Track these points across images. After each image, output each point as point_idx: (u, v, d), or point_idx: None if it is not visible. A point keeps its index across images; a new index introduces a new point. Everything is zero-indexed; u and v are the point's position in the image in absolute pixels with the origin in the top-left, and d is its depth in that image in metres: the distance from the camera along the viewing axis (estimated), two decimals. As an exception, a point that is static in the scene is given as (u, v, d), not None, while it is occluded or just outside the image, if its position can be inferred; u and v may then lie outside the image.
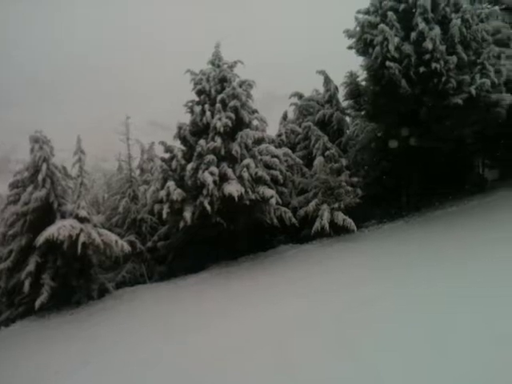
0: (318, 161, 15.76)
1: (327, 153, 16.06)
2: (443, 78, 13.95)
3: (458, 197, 15.37)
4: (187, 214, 13.59)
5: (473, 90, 13.90)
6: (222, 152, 14.23)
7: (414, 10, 14.50)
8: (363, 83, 15.99)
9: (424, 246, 11.57)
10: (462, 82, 14.19)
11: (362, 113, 16.57)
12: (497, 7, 16.07)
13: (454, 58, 13.98)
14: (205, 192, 13.55)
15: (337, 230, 14.87)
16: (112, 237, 13.71)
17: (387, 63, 13.96)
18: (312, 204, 15.16)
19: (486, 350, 4.91)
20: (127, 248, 13.95)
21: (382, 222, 15.47)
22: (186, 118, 15.45)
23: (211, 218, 13.95)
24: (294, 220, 14.95)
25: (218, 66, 15.24)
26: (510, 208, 13.34)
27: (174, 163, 14.60)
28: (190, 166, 14.07)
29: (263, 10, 73.50)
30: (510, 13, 16.92)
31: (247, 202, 13.80)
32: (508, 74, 15.00)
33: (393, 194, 16.08)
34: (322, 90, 18.62)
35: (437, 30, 14.02)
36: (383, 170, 15.98)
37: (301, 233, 15.63)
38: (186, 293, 12.98)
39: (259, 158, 14.67)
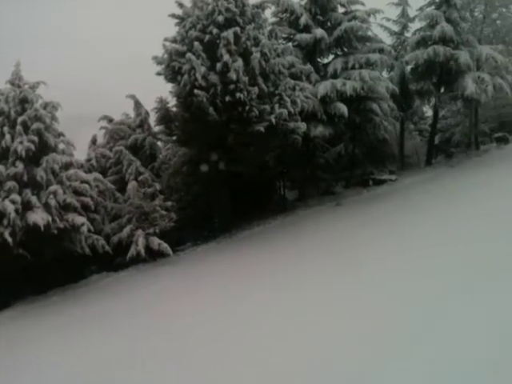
0: (132, 186, 17.94)
1: (140, 177, 18.36)
2: (247, 107, 17.44)
3: (264, 217, 19.42)
4: (-18, 249, 14.14)
5: (273, 119, 17.74)
6: (25, 178, 15.17)
7: (218, 42, 17.81)
8: (174, 109, 18.90)
9: (234, 263, 14.73)
10: (263, 111, 17.83)
11: (174, 138, 19.39)
12: (290, 44, 20.86)
13: (255, 89, 17.58)
14: (5, 222, 14.12)
15: (153, 255, 17.18)
16: None
17: (195, 91, 16.88)
18: (126, 230, 17.21)
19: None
20: None
21: (197, 244, 18.44)
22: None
23: (13, 251, 14.72)
24: (107, 247, 16.73)
25: (19, 86, 16.23)
26: (306, 226, 17.75)
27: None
28: (-14, 195, 14.59)
29: (68, 27, 72.63)
30: (301, 49, 22.10)
31: (55, 231, 14.93)
32: (302, 104, 19.66)
33: (205, 216, 19.29)
34: (132, 114, 20.95)
35: (239, 62, 17.37)
36: (195, 194, 19.10)
37: (115, 260, 17.55)
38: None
39: (68, 183, 16.05)
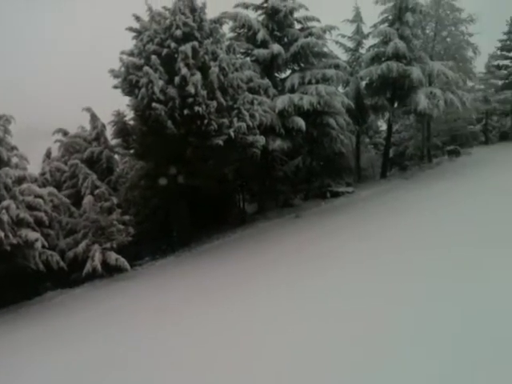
0: (88, 200, 17.90)
1: (97, 191, 18.32)
2: (205, 121, 17.78)
3: (223, 230, 19.75)
4: None
5: (231, 133, 18.14)
6: (-24, 193, 15.01)
7: (176, 56, 18.13)
8: (131, 122, 19.07)
9: (193, 278, 14.91)
10: (222, 124, 18.25)
11: (131, 151, 19.54)
12: (248, 59, 21.45)
13: (214, 103, 17.98)
14: (-45, 238, 14.05)
15: (110, 271, 17.14)
16: None
17: (153, 104, 17.10)
18: (82, 245, 17.11)
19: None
20: None
21: (155, 258, 18.54)
22: None
23: (-38, 269, 14.50)
24: (62, 263, 16.56)
25: (-30, 99, 16.08)
26: (265, 239, 18.17)
27: None
28: None
29: (26, 39, 71.40)
30: (259, 64, 22.74)
31: (8, 247, 14.77)
32: (261, 118, 20.16)
33: (164, 230, 19.44)
34: (88, 127, 20.95)
35: (198, 75, 17.76)
36: (154, 208, 19.25)
37: (71, 276, 17.39)
38: None
39: (21, 198, 15.88)
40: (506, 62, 37.32)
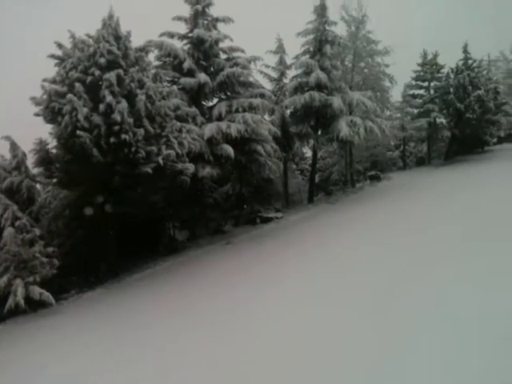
0: (8, 232, 16.96)
1: (18, 223, 17.44)
2: (133, 149, 17.62)
3: (154, 259, 19.47)
4: None
5: (160, 160, 18.09)
6: None
7: (100, 83, 17.93)
8: (54, 150, 18.52)
9: (122, 310, 14.51)
10: (150, 152, 18.16)
11: (54, 180, 18.95)
12: (175, 87, 21.62)
13: (141, 131, 17.88)
14: None
15: (34, 306, 16.30)
16: None
17: (78, 132, 16.65)
18: (3, 279, 16.07)
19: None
20: None
21: (83, 291, 17.84)
22: None
23: None
24: (-20, 300, 15.59)
25: None
26: (196, 267, 18.10)
27: None
28: None
29: None
30: (186, 92, 23.01)
31: None
32: (189, 146, 20.27)
33: (92, 261, 18.82)
34: (8, 156, 20.06)
35: (124, 103, 17.64)
36: (80, 238, 18.63)
37: (-8, 313, 16.29)
38: None
39: None
40: (421, 92, 40.03)
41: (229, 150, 21.64)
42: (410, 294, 9.17)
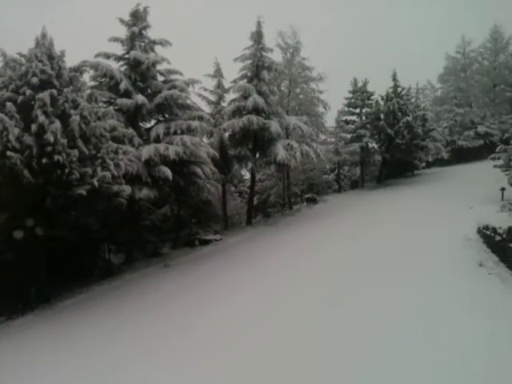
0: None
1: None
2: (66, 170, 17.06)
3: (88, 283, 18.84)
4: None
5: (95, 182, 17.66)
6: None
7: (33, 103, 17.46)
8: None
9: (52, 338, 13.91)
10: (84, 173, 17.66)
11: (-19, 203, 18.05)
12: (111, 108, 21.38)
13: (75, 152, 17.40)
14: None
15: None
16: None
17: (8, 153, 16.14)
18: None
19: None
20: None
21: (12, 318, 16.91)
22: None
23: None
24: None
25: None
26: (131, 291, 17.72)
27: None
28: None
29: None
30: (123, 113, 22.79)
31: None
32: (126, 167, 19.97)
33: (21, 286, 17.92)
34: None
35: (57, 123, 17.10)
36: (8, 263, 17.73)
37: None
38: None
39: None
40: (353, 118, 41.67)
41: (167, 172, 21.55)
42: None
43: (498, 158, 24.06)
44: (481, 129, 47.96)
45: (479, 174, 29.78)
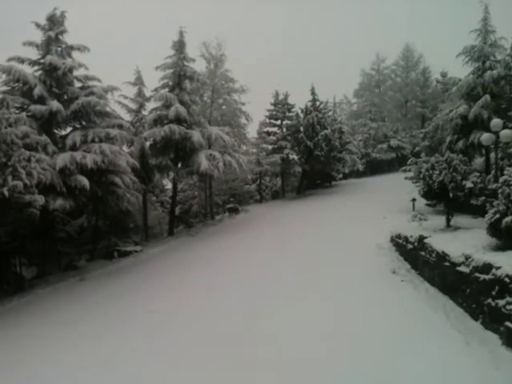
0: None
1: None
2: (-28, 179, 16.33)
3: (-3, 299, 17.71)
4: None
5: (5, 191, 16.74)
6: None
7: None
8: None
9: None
10: (-5, 182, 16.95)
11: None
12: (24, 114, 20.35)
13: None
14: None
15: None
16: None
17: None
18: None
19: None
20: None
21: None
22: None
23: None
24: None
25: None
26: (44, 307, 16.81)
27: None
28: None
29: None
30: (36, 120, 21.77)
31: None
32: (39, 176, 19.07)
33: None
34: None
35: (-36, 129, 16.44)
36: None
37: None
38: None
39: None
40: (274, 129, 42.54)
41: (84, 181, 20.81)
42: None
43: (409, 170, 25.64)
44: (393, 142, 50.78)
45: (392, 185, 31.46)
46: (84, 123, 24.22)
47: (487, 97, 18.12)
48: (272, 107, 42.17)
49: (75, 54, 24.27)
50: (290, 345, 8.87)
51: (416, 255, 12.95)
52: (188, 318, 11.75)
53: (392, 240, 16.13)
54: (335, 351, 8.28)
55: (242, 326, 10.45)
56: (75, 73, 24.22)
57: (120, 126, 24.80)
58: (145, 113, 31.07)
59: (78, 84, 24.57)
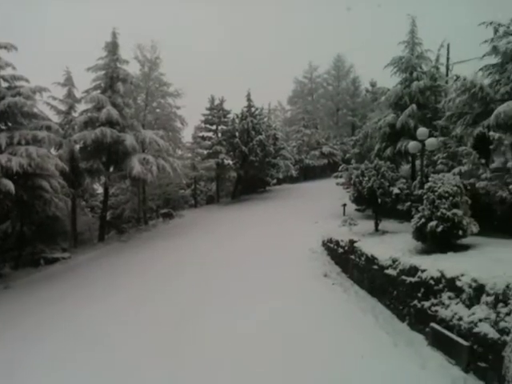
0: None
1: None
2: None
3: None
4: None
5: None
6: None
7: None
8: None
9: None
10: None
11: None
12: None
13: None
14: None
15: None
16: None
17: None
18: None
19: None
20: None
21: None
22: None
23: None
24: None
25: None
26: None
27: None
28: None
29: None
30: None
31: None
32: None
33: None
34: None
35: None
36: None
37: None
38: None
39: None
40: (209, 134, 42.50)
41: (9, 185, 19.82)
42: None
43: (341, 177, 26.50)
44: (325, 149, 52.19)
45: (324, 191, 32.37)
46: (10, 124, 23.10)
47: (414, 106, 18.99)
48: (207, 112, 42.14)
49: (1, 53, 23.09)
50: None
51: (346, 259, 13.45)
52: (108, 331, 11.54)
53: (324, 244, 16.61)
54: (267, 353, 8.47)
55: (168, 336, 10.37)
56: (2, 72, 23.09)
57: (48, 128, 23.93)
58: (75, 115, 30.02)
59: (4, 84, 23.40)
